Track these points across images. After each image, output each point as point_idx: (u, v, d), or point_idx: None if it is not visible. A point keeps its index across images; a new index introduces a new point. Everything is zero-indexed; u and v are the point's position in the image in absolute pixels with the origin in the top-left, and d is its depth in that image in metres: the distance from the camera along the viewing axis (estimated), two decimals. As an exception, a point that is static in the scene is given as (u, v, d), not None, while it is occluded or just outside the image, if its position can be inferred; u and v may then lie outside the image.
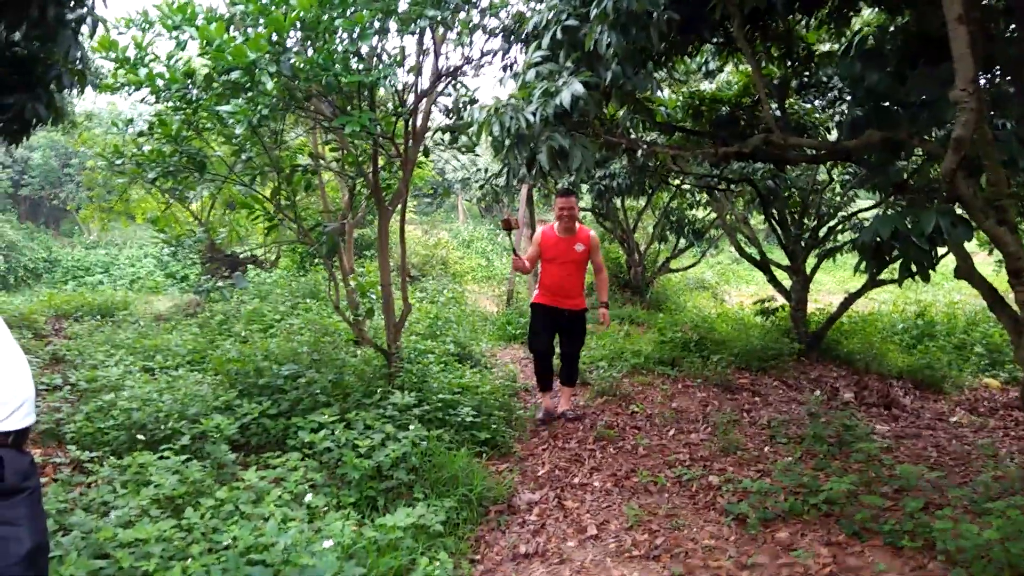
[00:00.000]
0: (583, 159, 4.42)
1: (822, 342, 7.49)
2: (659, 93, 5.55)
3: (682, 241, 11.42)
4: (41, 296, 11.54)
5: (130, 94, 4.65)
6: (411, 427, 3.91)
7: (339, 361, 5.20)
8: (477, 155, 18.70)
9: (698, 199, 10.53)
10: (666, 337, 7.37)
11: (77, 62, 6.44)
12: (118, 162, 5.18)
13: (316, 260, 6.16)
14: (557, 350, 5.44)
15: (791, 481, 3.90)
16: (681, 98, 6.60)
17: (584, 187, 9.40)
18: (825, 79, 5.77)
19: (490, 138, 4.67)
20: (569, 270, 5.10)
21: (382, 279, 5.16)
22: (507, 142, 4.87)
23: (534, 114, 4.15)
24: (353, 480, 3.46)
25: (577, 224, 5.17)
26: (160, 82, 4.31)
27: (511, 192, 10.32)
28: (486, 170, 12.91)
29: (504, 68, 5.25)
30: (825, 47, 5.93)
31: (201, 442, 3.76)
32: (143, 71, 4.30)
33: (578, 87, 3.86)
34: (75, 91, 6.91)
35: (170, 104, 4.59)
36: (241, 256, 10.79)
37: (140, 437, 3.86)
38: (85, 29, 6.42)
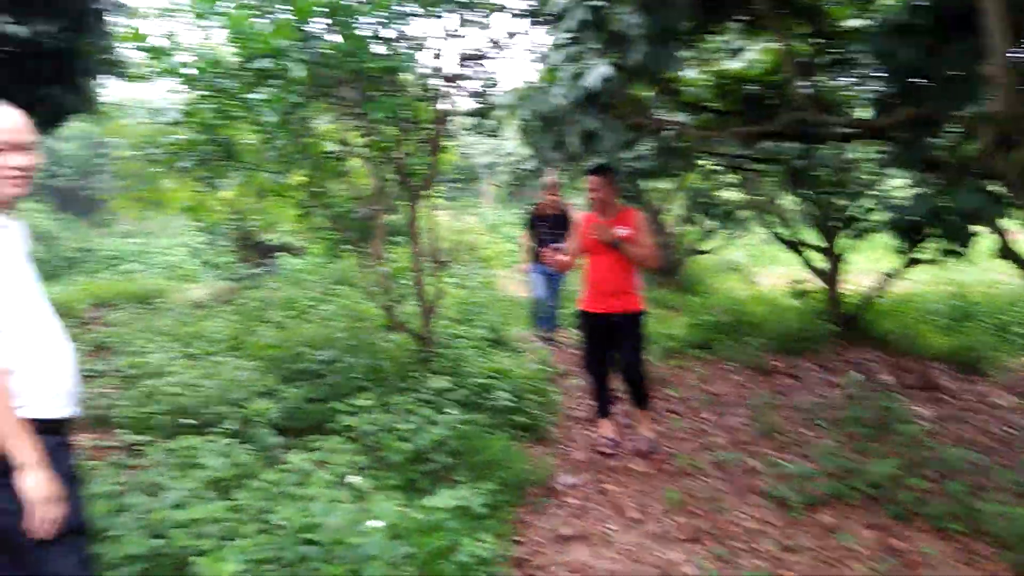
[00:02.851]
0: (613, 141, 4.39)
1: (858, 324, 7.39)
2: (685, 73, 5.45)
3: (712, 223, 11.29)
4: (79, 285, 11.73)
5: (148, 82, 4.68)
6: (450, 410, 3.94)
7: (374, 346, 5.24)
8: (502, 139, 18.64)
9: (727, 180, 10.41)
10: (699, 320, 7.33)
11: (108, 52, 6.52)
12: (152, 151, 5.24)
13: (346, 246, 6.18)
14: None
15: (833, 464, 3.87)
16: (708, 77, 6.50)
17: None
18: (854, 55, 5.65)
19: (517, 122, 4.63)
20: (610, 261, 4.28)
21: (413, 264, 5.19)
22: (535, 125, 4.84)
23: (563, 97, 4.14)
24: (395, 463, 3.50)
25: (618, 205, 4.49)
26: (190, 71, 4.34)
27: (540, 176, 10.29)
28: (512, 154, 12.90)
29: (529, 51, 5.22)
30: (853, 23, 5.81)
31: (245, 426, 3.83)
32: (173, 60, 4.33)
33: (606, 68, 3.83)
34: (106, 81, 7.00)
35: (201, 93, 4.62)
36: (273, 243, 10.93)
37: (186, 421, 3.93)
38: (114, 19, 6.49)
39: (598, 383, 4.53)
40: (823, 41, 5.33)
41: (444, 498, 2.98)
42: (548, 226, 6.86)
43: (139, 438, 3.80)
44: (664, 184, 11.25)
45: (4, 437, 1.68)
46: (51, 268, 15.17)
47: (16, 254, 1.85)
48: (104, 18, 6.20)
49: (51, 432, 1.82)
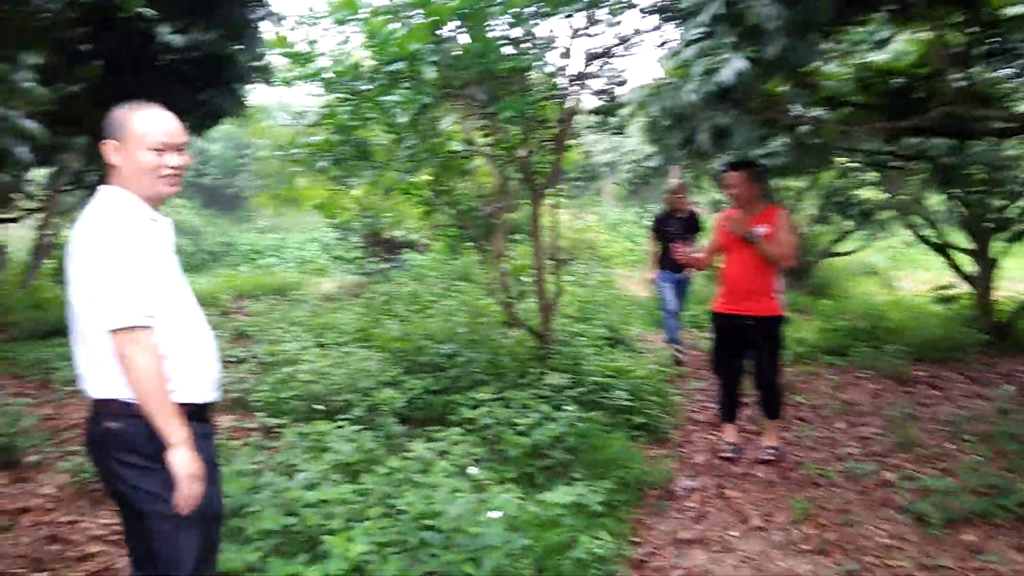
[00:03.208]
0: (745, 137, 4.24)
1: (1011, 332, 6.80)
2: (824, 66, 5.18)
3: (848, 223, 10.69)
4: (221, 277, 12.63)
5: (291, 86, 4.95)
6: (567, 408, 3.94)
7: (494, 342, 5.33)
8: (625, 137, 18.43)
9: (866, 178, 9.82)
10: (832, 325, 6.97)
11: (259, 59, 6.95)
12: (292, 152, 5.55)
13: (469, 243, 6.29)
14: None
15: (978, 481, 3.58)
16: (849, 70, 6.15)
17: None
18: (1015, 45, 5.19)
19: (643, 119, 4.52)
20: (745, 259, 4.08)
21: (534, 262, 5.22)
22: (664, 122, 4.73)
23: (695, 92, 4.03)
24: (513, 456, 3.55)
25: (760, 203, 4.19)
26: (330, 75, 4.57)
27: (663, 175, 10.09)
28: (634, 152, 12.73)
29: (658, 47, 5.12)
30: (1014, 10, 5.33)
31: (372, 414, 4.00)
32: (314, 65, 4.57)
33: (742, 62, 3.70)
34: (256, 86, 7.46)
35: (338, 96, 4.85)
36: (399, 240, 11.34)
37: (318, 407, 4.15)
38: (264, 27, 6.91)
39: (726, 386, 4.37)
40: (979, 30, 4.93)
41: (561, 494, 2.99)
42: (675, 229, 6.66)
43: (275, 421, 4.05)
44: (797, 182, 10.78)
45: (160, 419, 1.82)
46: (196, 261, 16.37)
47: (166, 247, 1.98)
48: (256, 26, 6.62)
49: (196, 417, 1.94)
